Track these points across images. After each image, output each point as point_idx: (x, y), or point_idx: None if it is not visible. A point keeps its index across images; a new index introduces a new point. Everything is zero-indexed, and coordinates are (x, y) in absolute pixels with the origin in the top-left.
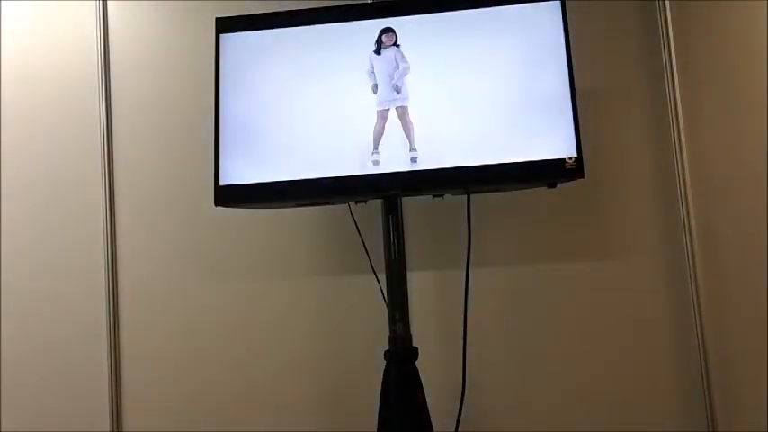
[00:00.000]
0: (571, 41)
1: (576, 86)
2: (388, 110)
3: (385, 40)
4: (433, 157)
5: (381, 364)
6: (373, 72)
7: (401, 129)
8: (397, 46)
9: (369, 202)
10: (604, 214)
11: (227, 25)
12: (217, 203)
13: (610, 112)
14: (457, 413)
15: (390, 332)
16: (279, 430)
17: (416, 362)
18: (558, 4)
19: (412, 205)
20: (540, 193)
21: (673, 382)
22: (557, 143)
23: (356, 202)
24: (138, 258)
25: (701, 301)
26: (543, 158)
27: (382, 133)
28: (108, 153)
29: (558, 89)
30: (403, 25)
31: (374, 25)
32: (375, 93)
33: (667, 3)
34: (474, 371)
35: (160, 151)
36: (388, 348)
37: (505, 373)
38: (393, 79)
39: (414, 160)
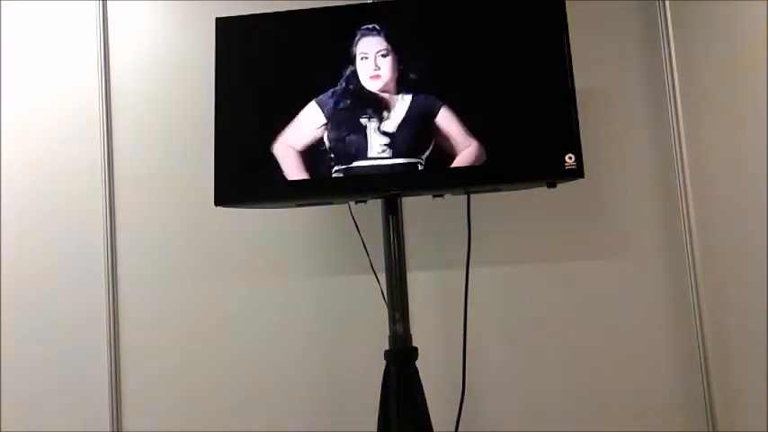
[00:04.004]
0: (571, 41)
1: (576, 86)
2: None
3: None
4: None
5: (381, 364)
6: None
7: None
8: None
9: (369, 202)
10: (604, 214)
11: (226, 25)
12: (217, 203)
13: (610, 112)
14: (457, 413)
15: (390, 332)
16: (278, 430)
17: (416, 362)
18: (559, 3)
19: (412, 205)
20: (540, 193)
21: (673, 382)
22: (557, 143)
23: (356, 202)
24: (138, 258)
25: (701, 302)
26: (543, 158)
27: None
28: (108, 153)
29: (558, 89)
30: (401, 26)
31: (374, 25)
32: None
33: (667, 3)
34: (474, 371)
35: (160, 151)
36: (388, 348)
37: (505, 373)
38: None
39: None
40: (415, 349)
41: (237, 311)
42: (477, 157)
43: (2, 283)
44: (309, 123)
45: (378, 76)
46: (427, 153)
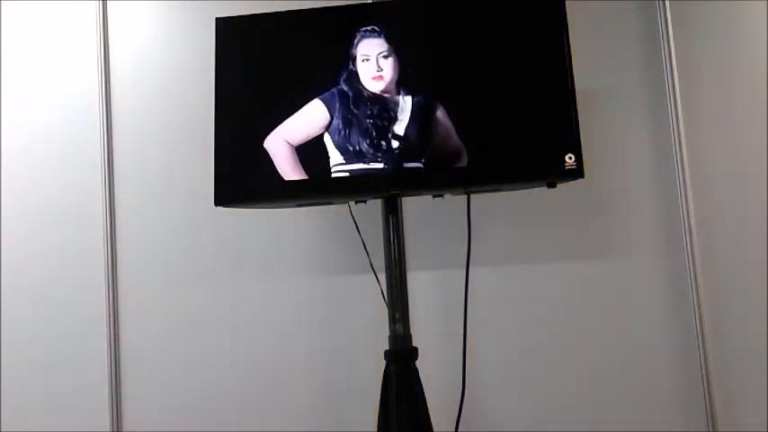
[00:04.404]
0: (571, 41)
1: (576, 86)
2: None
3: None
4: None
5: (381, 364)
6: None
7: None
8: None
9: (369, 202)
10: (604, 214)
11: (227, 25)
12: (217, 203)
13: (610, 112)
14: (457, 413)
15: (390, 332)
16: (278, 429)
17: (416, 362)
18: (558, 4)
19: (412, 205)
20: (540, 193)
21: (673, 382)
22: (557, 143)
23: (356, 202)
24: (139, 259)
25: (701, 302)
26: (543, 158)
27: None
28: (108, 153)
29: (558, 89)
30: (401, 26)
31: (374, 27)
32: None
33: (667, 3)
34: (474, 371)
35: (160, 151)
36: (388, 348)
37: (505, 373)
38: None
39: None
40: (415, 349)
41: (237, 312)
42: (476, 157)
43: (2, 283)
44: (312, 121)
45: (381, 78)
46: (427, 153)
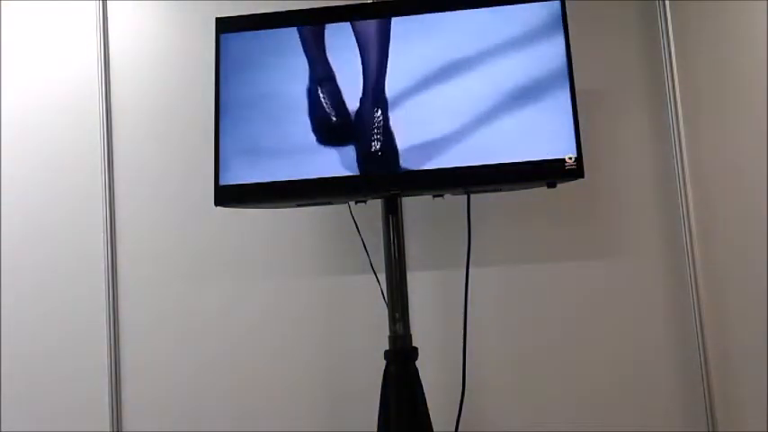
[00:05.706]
0: (571, 41)
1: (576, 86)
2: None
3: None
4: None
5: (381, 364)
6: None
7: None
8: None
9: (369, 202)
10: (604, 214)
11: (227, 25)
12: (217, 203)
13: (610, 112)
14: (457, 413)
15: (390, 332)
16: (278, 429)
17: (416, 362)
18: (558, 4)
19: (412, 205)
20: (540, 193)
21: (673, 382)
22: (557, 143)
23: (356, 202)
24: (138, 259)
25: (701, 301)
26: (543, 158)
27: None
28: (108, 153)
29: (558, 89)
30: (402, 25)
31: (373, 25)
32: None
33: (667, 3)
34: (474, 371)
35: (160, 151)
36: (388, 348)
37: (505, 373)
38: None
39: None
40: (415, 349)
41: (237, 312)
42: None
43: (2, 284)
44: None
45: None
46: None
